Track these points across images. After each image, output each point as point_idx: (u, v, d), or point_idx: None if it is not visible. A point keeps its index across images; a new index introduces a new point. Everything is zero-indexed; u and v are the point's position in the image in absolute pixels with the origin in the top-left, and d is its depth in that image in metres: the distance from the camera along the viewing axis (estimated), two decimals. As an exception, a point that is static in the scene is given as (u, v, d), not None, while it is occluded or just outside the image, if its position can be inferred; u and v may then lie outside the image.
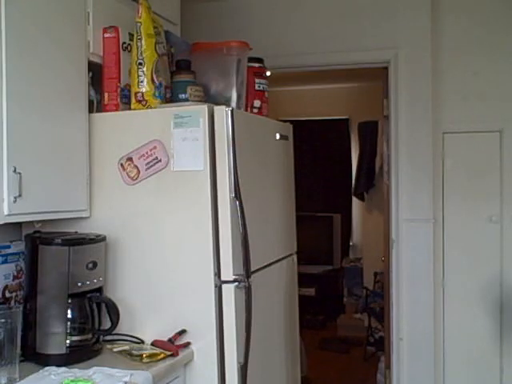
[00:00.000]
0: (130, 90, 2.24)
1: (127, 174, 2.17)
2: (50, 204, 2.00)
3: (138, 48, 2.19)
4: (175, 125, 2.10)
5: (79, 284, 1.96)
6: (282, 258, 2.70)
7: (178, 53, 2.52)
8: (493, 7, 3.33)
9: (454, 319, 3.40)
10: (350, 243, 6.68)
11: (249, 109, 2.55)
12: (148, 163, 2.14)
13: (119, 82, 2.24)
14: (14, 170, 1.80)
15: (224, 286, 2.11)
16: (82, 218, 2.17)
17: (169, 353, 2.01)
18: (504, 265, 3.34)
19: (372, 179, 6.03)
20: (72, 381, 1.72)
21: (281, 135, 2.72)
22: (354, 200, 6.49)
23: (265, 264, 2.44)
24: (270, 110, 2.67)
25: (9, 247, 2.13)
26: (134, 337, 2.14)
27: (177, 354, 2.02)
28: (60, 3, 2.04)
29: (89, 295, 2.02)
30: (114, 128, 2.21)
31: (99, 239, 2.06)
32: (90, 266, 1.99)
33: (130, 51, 2.25)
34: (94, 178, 2.20)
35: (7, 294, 2.10)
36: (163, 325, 2.13)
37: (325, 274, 6.27)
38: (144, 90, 2.19)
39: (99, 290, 2.07)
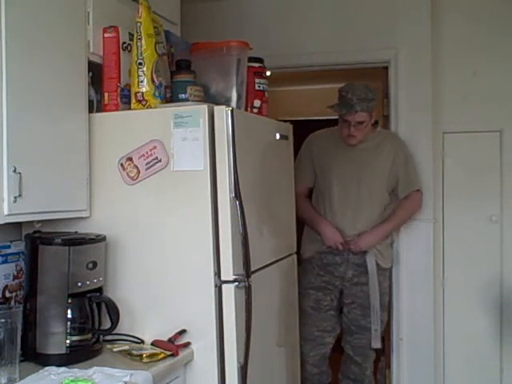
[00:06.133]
0: (130, 90, 2.23)
1: (127, 173, 2.17)
2: (50, 204, 1.99)
3: (137, 48, 2.19)
4: (175, 125, 2.10)
5: (79, 284, 1.95)
6: (282, 258, 2.70)
7: (178, 53, 2.52)
8: (492, 7, 3.34)
9: (453, 319, 3.41)
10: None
11: (249, 109, 2.55)
12: (148, 163, 2.14)
13: (119, 81, 2.24)
14: (14, 170, 1.80)
15: (224, 286, 2.11)
16: (82, 217, 2.17)
17: (169, 353, 2.01)
18: (504, 265, 3.35)
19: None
20: (72, 381, 1.72)
21: (281, 135, 2.72)
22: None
23: (265, 264, 2.44)
24: (269, 110, 2.67)
25: (9, 247, 2.13)
26: (134, 337, 2.14)
27: (177, 354, 2.02)
28: (60, 3, 2.03)
29: (89, 295, 2.01)
30: (114, 128, 2.21)
31: (99, 239, 2.06)
32: (90, 265, 1.99)
33: (130, 51, 2.25)
34: (93, 178, 2.20)
35: (7, 294, 2.10)
36: (163, 325, 2.13)
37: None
38: (144, 89, 2.19)
39: (99, 289, 2.07)
